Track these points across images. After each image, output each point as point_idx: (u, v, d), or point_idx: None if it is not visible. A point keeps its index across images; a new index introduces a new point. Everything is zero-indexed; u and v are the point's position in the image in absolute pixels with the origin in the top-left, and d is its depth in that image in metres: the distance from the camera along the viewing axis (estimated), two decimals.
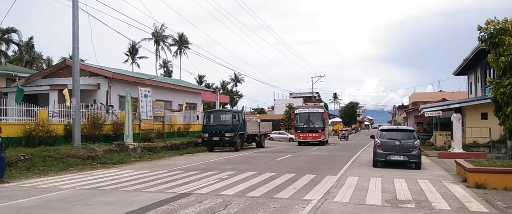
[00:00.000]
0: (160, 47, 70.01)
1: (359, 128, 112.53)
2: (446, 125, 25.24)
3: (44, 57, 57.54)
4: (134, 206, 8.20)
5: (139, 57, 71.35)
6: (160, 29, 66.26)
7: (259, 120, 31.58)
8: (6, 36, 48.10)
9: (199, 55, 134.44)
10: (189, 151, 23.80)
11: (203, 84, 77.24)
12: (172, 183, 11.29)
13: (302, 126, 34.07)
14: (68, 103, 18.97)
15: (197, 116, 30.63)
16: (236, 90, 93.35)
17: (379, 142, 15.57)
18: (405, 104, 78.27)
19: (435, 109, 26.09)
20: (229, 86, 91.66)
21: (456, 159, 13.86)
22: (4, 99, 17.35)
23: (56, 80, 24.53)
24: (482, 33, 13.10)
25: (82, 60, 32.78)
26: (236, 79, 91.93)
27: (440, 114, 25.65)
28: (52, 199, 9.13)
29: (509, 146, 18.25)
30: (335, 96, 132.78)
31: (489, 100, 15.92)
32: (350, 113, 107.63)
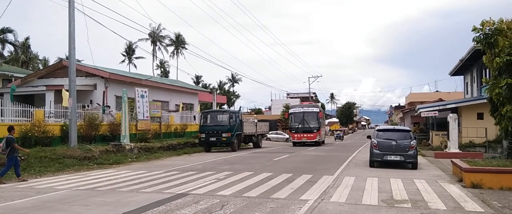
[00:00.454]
0: (157, 47, 69.89)
1: (356, 128, 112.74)
2: (442, 125, 25.33)
3: (41, 57, 57.29)
4: (130, 207, 8.19)
5: (136, 58, 71.26)
6: (157, 29, 66.17)
7: (256, 120, 31.64)
8: (1, 36, 47.94)
9: (196, 56, 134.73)
10: (186, 151, 23.78)
11: (200, 85, 77.22)
12: (169, 184, 11.29)
13: (296, 126, 32.91)
14: (64, 104, 18.92)
15: (194, 116, 30.61)
16: (233, 90, 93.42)
17: (376, 142, 15.61)
18: (401, 104, 78.55)
19: (431, 109, 26.16)
20: (226, 87, 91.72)
21: (452, 159, 13.91)
22: (0, 100, 17.28)
23: (52, 80, 24.44)
24: (477, 34, 13.16)
25: (79, 61, 32.64)
26: (233, 80, 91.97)
27: (437, 114, 25.74)
28: (48, 200, 9.11)
29: (505, 146, 18.32)
30: (332, 96, 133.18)
31: (485, 101, 16.01)
32: (347, 113, 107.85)
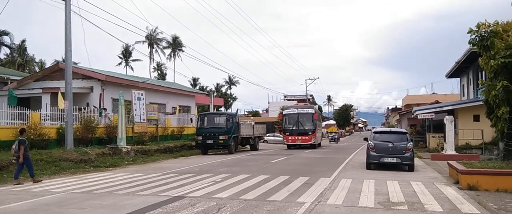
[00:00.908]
0: (154, 50, 69.92)
1: (353, 130, 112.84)
2: (439, 127, 25.39)
3: (37, 60, 57.18)
4: (127, 210, 8.17)
5: (133, 60, 71.16)
6: (154, 32, 66.16)
7: (253, 123, 31.59)
8: None
9: (193, 58, 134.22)
10: (183, 154, 23.74)
11: (197, 87, 77.16)
12: (165, 186, 11.26)
13: (291, 128, 31.45)
14: (60, 107, 18.87)
15: (191, 119, 30.58)
16: (231, 93, 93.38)
17: (373, 144, 15.63)
18: (398, 106, 78.61)
19: (428, 111, 26.24)
20: (223, 89, 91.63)
21: (449, 161, 13.94)
22: None
23: (48, 83, 24.38)
24: (473, 36, 13.22)
25: (75, 63, 32.63)
26: (231, 82, 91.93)
27: (433, 116, 25.81)
28: (44, 203, 9.07)
29: (501, 147, 18.39)
30: (329, 98, 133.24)
31: (481, 103, 16.06)
32: (344, 115, 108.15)
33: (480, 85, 19.53)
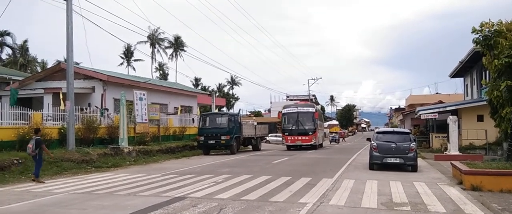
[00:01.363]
0: (156, 50, 69.91)
1: (356, 130, 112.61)
2: (442, 127, 25.25)
3: (39, 60, 57.28)
4: (128, 210, 8.13)
5: (135, 60, 71.13)
6: (156, 32, 66.16)
7: (255, 123, 31.49)
8: (0, 39, 47.90)
9: (195, 58, 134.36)
10: (184, 154, 23.69)
11: (199, 87, 77.08)
12: (167, 187, 11.21)
13: (290, 128, 30.02)
14: (62, 107, 18.85)
15: (193, 119, 30.54)
16: (233, 93, 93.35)
17: (375, 145, 15.54)
18: (402, 106, 78.48)
19: (431, 111, 26.11)
20: (225, 89, 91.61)
21: (452, 161, 13.84)
22: None
23: (50, 83, 24.36)
24: (477, 35, 13.13)
25: (77, 63, 32.64)
26: (233, 82, 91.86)
27: (436, 116, 25.68)
28: (45, 204, 9.03)
29: (505, 148, 18.27)
30: (332, 99, 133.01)
31: (485, 103, 15.97)
32: (347, 116, 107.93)
33: (483, 85, 19.42)
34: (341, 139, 53.12)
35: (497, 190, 10.16)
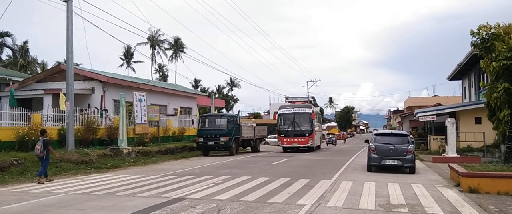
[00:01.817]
0: (155, 51, 69.99)
1: (354, 132, 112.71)
2: (440, 130, 25.31)
3: (39, 61, 57.33)
4: (127, 211, 8.17)
5: (135, 62, 71.20)
6: (156, 33, 66.24)
7: (254, 124, 31.56)
8: (0, 40, 47.94)
9: (195, 60, 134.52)
10: (184, 156, 23.73)
11: (199, 89, 77.16)
12: (166, 188, 11.25)
13: (286, 129, 28.79)
14: (62, 108, 18.89)
15: (192, 120, 30.54)
16: (232, 94, 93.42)
17: (373, 147, 15.60)
18: (400, 109, 78.53)
19: (429, 113, 26.16)
20: (225, 91, 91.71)
21: (450, 163, 13.90)
22: None
23: (50, 84, 24.42)
24: (475, 38, 13.21)
25: (77, 64, 32.69)
26: (232, 84, 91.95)
27: (435, 119, 25.74)
28: (44, 204, 9.07)
29: (503, 150, 18.35)
30: (330, 100, 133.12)
31: (483, 105, 16.02)
32: (346, 117, 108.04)
33: (481, 88, 19.51)
34: (342, 141, 52.77)
35: (494, 192, 10.21)
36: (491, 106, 13.52)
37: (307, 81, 75.94)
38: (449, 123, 19.91)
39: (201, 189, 11.04)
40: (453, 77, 31.03)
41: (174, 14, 78.85)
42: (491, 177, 10.59)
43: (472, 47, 13.90)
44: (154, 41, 67.82)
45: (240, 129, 26.85)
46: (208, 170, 16.36)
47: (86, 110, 22.94)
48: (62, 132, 18.56)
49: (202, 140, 25.02)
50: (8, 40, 49.92)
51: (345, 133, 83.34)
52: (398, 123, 62.87)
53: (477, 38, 13.16)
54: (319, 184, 11.99)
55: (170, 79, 71.11)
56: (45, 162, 13.14)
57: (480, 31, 12.92)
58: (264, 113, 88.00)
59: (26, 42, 52.89)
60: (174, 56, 72.35)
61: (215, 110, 39.11)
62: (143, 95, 23.68)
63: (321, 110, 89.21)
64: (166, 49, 71.50)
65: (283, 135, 28.89)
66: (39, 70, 50.18)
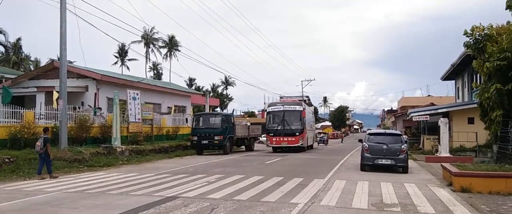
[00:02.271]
0: (150, 49, 69.72)
1: (348, 132, 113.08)
2: (434, 129, 25.47)
3: (32, 58, 56.80)
4: (120, 209, 8.14)
5: (129, 60, 70.90)
6: (150, 31, 65.97)
7: (248, 123, 31.53)
8: None
9: (189, 58, 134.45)
10: (177, 154, 23.68)
11: (193, 87, 76.92)
12: (159, 186, 11.23)
13: (275, 128, 27.33)
14: (55, 106, 18.78)
15: (186, 119, 30.49)
16: (227, 93, 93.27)
17: (367, 146, 15.65)
18: (394, 108, 78.84)
19: (422, 113, 26.31)
20: (219, 90, 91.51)
21: (442, 163, 13.98)
22: None
23: (43, 82, 24.23)
24: (468, 39, 13.29)
25: (70, 62, 32.52)
26: (227, 83, 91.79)
27: (428, 118, 25.89)
28: (36, 202, 9.02)
29: (495, 150, 18.49)
30: (325, 100, 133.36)
31: (476, 105, 16.14)
32: (340, 117, 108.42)
33: (474, 88, 19.64)
34: (339, 140, 52.71)
35: (486, 191, 10.29)
36: (483, 106, 13.63)
37: (302, 81, 75.98)
38: (442, 123, 20.03)
39: (195, 187, 11.03)
40: (447, 77, 31.23)
41: (169, 12, 78.60)
42: (483, 176, 10.66)
43: (465, 48, 13.98)
44: (148, 39, 67.53)
45: (234, 127, 26.83)
46: (202, 168, 16.34)
47: (79, 108, 22.81)
48: (55, 130, 18.41)
49: (196, 139, 24.99)
50: (1, 37, 49.52)
51: (340, 132, 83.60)
52: (391, 122, 63.16)
53: (470, 39, 13.24)
54: (313, 183, 12.01)
55: (165, 78, 70.91)
56: (46, 159, 13.34)
57: (473, 32, 13.01)
58: (258, 111, 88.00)
59: (19, 39, 52.43)
60: (168, 55, 72.12)
61: (209, 109, 39.06)
62: (137, 94, 23.60)
63: (316, 109, 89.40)
64: (161, 47, 71.27)
65: (272, 134, 27.53)
66: (32, 67, 49.75)
